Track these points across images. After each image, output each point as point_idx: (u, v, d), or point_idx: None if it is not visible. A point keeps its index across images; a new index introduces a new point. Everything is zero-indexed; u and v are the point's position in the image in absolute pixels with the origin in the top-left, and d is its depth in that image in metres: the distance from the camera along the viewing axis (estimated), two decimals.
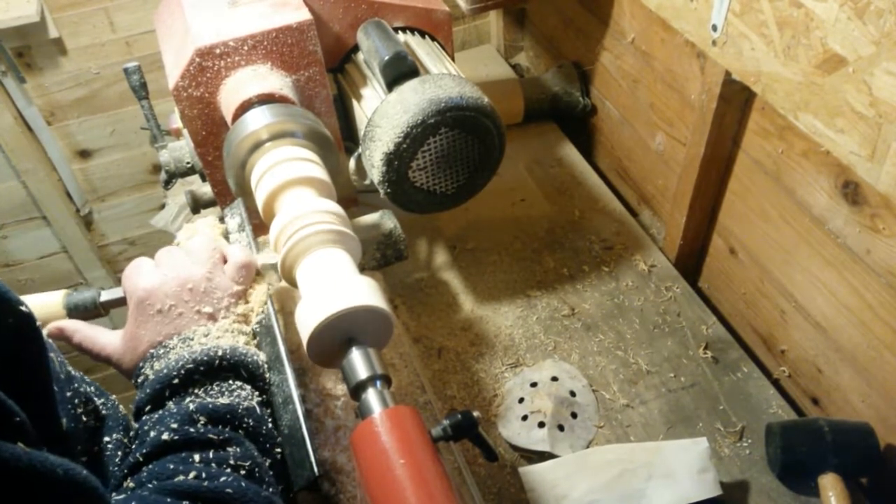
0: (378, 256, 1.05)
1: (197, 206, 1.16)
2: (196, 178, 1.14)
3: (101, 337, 0.74)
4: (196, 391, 0.67)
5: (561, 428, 1.08)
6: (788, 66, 0.89)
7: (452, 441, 0.70)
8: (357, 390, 0.70)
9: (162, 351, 0.70)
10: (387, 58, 0.99)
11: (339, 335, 0.73)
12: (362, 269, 0.93)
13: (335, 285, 0.73)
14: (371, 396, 0.69)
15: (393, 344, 1.02)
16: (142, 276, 0.73)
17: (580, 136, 1.67)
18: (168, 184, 1.16)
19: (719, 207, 1.27)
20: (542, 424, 1.08)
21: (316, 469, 0.67)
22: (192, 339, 0.70)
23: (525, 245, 1.40)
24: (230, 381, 0.69)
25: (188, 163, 1.12)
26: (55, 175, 1.98)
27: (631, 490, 0.99)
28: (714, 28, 1.01)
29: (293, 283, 0.82)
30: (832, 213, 1.00)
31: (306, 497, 0.92)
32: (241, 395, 0.68)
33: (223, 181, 1.04)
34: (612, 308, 1.28)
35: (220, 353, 0.69)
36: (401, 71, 1.00)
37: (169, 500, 0.54)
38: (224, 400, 0.66)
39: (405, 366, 1.02)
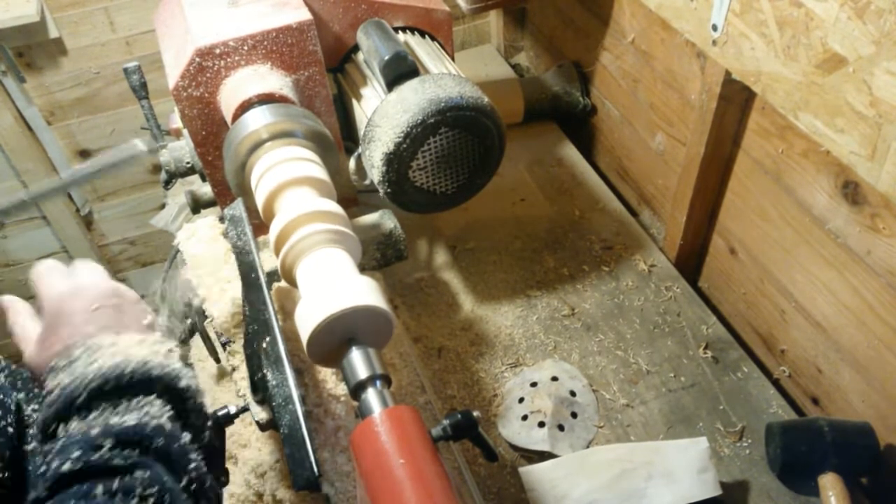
0: (378, 256, 1.05)
1: (197, 206, 1.16)
2: (196, 178, 1.14)
3: (31, 331, 0.69)
4: (104, 406, 0.63)
5: (561, 428, 1.08)
6: (788, 65, 0.89)
7: (452, 441, 0.70)
8: (357, 390, 0.70)
9: (64, 363, 0.65)
10: (387, 58, 0.99)
11: (339, 335, 0.73)
12: (362, 269, 0.93)
13: (335, 285, 0.73)
14: (371, 396, 0.69)
15: (393, 344, 1.02)
16: (55, 281, 0.70)
17: (580, 136, 1.67)
18: (168, 184, 1.16)
19: (719, 207, 1.27)
20: (542, 424, 1.08)
21: (316, 469, 0.67)
22: (98, 350, 0.65)
23: (525, 245, 1.40)
24: (140, 397, 0.65)
25: (188, 163, 1.11)
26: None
27: (631, 490, 0.99)
28: (714, 28, 1.01)
29: (293, 282, 0.82)
30: (832, 212, 1.00)
31: (306, 497, 0.92)
32: (150, 412, 0.64)
33: (223, 181, 1.04)
34: (612, 308, 1.28)
35: (129, 368, 0.64)
36: (401, 71, 1.00)
37: None
38: (131, 419, 0.62)
39: (405, 366, 1.02)
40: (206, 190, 1.14)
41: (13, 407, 0.65)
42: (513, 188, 1.52)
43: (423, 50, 1.09)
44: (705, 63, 1.14)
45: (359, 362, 0.71)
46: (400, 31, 1.12)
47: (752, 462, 1.06)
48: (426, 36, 1.15)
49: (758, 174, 1.14)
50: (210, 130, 1.02)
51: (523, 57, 1.96)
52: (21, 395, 0.68)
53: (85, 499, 0.56)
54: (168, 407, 0.66)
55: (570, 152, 1.61)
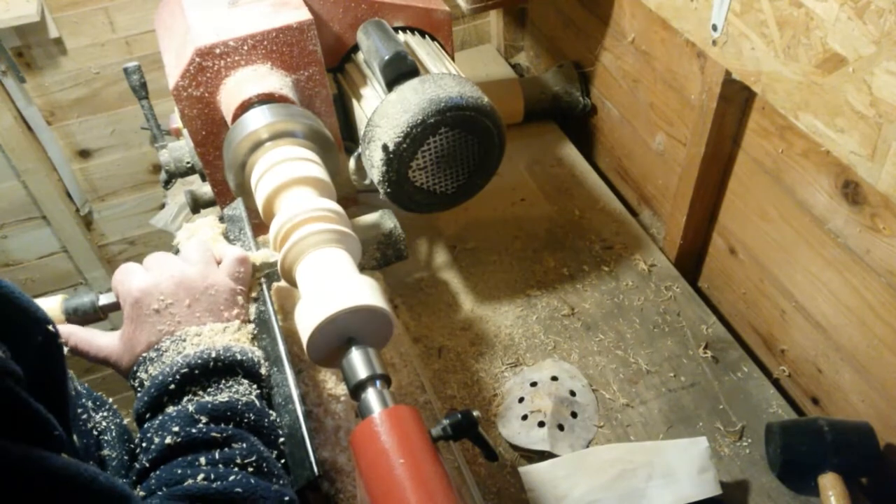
0: (378, 256, 1.05)
1: (197, 205, 1.16)
2: (196, 178, 1.14)
3: (97, 338, 0.73)
4: (194, 389, 0.67)
5: (561, 427, 1.08)
6: (789, 65, 0.89)
7: (452, 441, 0.70)
8: (357, 390, 0.70)
9: (154, 354, 0.69)
10: (387, 57, 0.99)
11: (338, 335, 0.73)
12: (362, 269, 0.93)
13: (335, 285, 0.73)
14: (371, 396, 0.69)
15: (393, 344, 1.02)
16: (135, 278, 0.72)
17: (580, 136, 1.67)
18: (168, 184, 1.16)
19: (719, 207, 1.27)
20: (542, 424, 1.08)
21: (316, 469, 0.67)
22: (185, 341, 0.69)
23: (525, 245, 1.40)
24: (226, 379, 0.69)
25: (188, 163, 1.12)
26: (55, 175, 1.98)
27: (631, 490, 0.99)
28: (714, 28, 1.01)
29: (293, 282, 0.82)
30: (832, 212, 1.00)
31: (306, 497, 0.92)
32: (238, 390, 0.68)
33: (223, 181, 1.04)
34: (612, 308, 1.28)
35: (213, 354, 0.68)
36: (401, 71, 1.00)
37: None
38: (223, 397, 0.66)
39: (405, 366, 1.02)
40: (205, 190, 1.14)
41: (86, 415, 0.69)
42: (513, 188, 1.52)
43: (423, 50, 1.09)
44: (705, 63, 1.14)
45: (359, 362, 0.71)
46: (400, 31, 1.12)
47: (752, 462, 1.06)
48: (426, 36, 1.15)
49: (758, 174, 1.14)
50: (210, 130, 1.02)
51: (523, 57, 1.96)
52: (90, 403, 0.72)
53: (190, 467, 0.59)
54: (255, 386, 0.71)
55: (570, 152, 1.61)
